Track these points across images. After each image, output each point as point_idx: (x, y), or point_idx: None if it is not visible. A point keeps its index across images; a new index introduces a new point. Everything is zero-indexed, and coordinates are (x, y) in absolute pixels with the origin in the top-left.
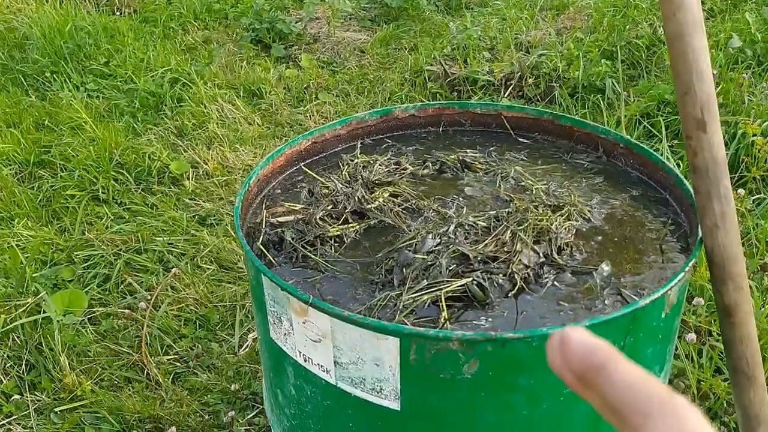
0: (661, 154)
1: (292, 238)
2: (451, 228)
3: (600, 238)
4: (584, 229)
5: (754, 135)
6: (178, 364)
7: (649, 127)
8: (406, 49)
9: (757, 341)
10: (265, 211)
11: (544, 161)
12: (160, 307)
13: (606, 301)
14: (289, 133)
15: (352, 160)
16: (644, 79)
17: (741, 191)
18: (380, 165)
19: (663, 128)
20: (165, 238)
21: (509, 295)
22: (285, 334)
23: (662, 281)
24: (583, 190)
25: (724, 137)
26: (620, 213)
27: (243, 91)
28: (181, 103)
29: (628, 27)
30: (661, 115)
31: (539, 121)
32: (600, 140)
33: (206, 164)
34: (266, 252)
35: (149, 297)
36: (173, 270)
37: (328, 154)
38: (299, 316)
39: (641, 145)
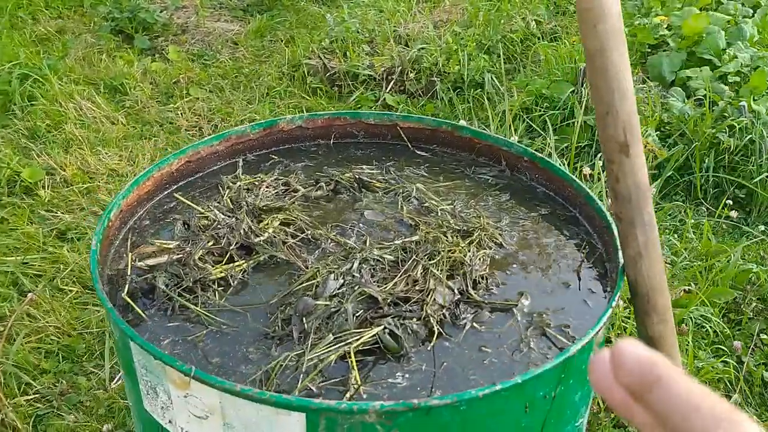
0: (549, 155)
1: (166, 285)
2: (356, 265)
3: (514, 265)
4: (497, 257)
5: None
6: (39, 405)
7: (530, 122)
8: (282, 41)
9: None
10: (130, 253)
11: (446, 177)
12: (15, 339)
13: (531, 344)
14: (159, 133)
15: (234, 182)
16: (521, 73)
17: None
18: (267, 187)
19: (549, 125)
20: (18, 258)
21: (425, 342)
22: (162, 407)
23: (586, 315)
24: (490, 210)
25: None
26: (532, 235)
27: (104, 86)
28: (33, 102)
29: (502, 21)
30: (540, 110)
31: (437, 132)
32: (503, 153)
33: (64, 170)
34: (134, 305)
35: (1, 329)
36: (29, 295)
37: (204, 174)
38: (180, 389)
39: (546, 159)
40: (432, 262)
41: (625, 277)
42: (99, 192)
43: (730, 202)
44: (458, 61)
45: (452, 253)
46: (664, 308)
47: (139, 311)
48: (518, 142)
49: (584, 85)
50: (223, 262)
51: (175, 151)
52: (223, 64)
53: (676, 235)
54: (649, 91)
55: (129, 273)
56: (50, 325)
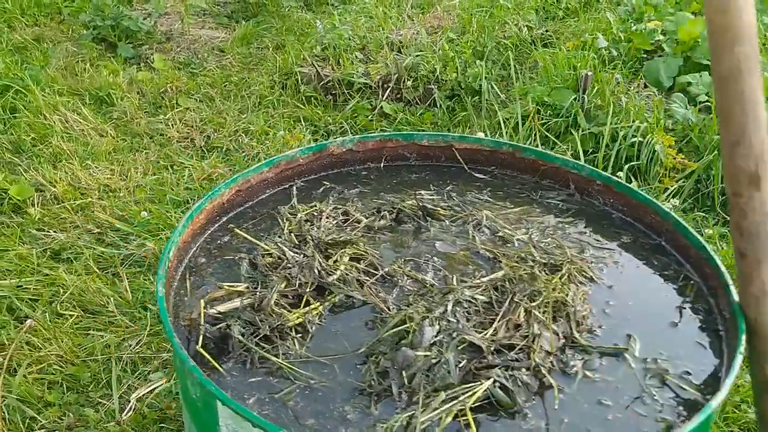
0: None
1: (242, 334)
2: (449, 307)
3: (611, 303)
4: (591, 293)
5: (669, 146)
6: None
7: (544, 131)
8: (269, 48)
9: None
10: (202, 300)
11: (512, 201)
12: (16, 370)
13: (655, 395)
14: (150, 145)
15: (293, 214)
16: (517, 80)
17: (675, 201)
18: (327, 218)
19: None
20: (12, 281)
21: (536, 395)
22: None
23: (703, 359)
24: (569, 240)
25: (604, 139)
26: (620, 268)
27: (89, 97)
28: (16, 114)
29: (496, 27)
30: (543, 118)
31: (496, 154)
32: (571, 176)
33: (54, 186)
34: (210, 358)
35: (0, 359)
36: (27, 321)
37: (254, 203)
38: None
39: (623, 183)
40: (534, 303)
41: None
42: (93, 208)
43: None
44: (455, 68)
45: (552, 291)
46: None
47: (216, 365)
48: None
49: (586, 92)
50: (300, 306)
51: (225, 180)
52: (211, 73)
53: None
54: (652, 97)
55: (202, 322)
56: (52, 354)
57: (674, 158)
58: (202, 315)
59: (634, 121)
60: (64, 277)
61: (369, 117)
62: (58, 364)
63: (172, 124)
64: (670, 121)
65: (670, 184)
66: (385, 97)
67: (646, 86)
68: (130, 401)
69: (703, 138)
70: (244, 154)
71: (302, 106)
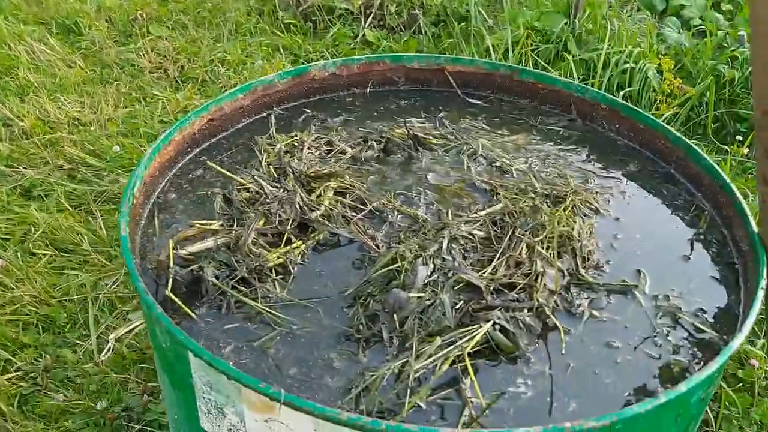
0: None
1: (216, 277)
2: (445, 244)
3: (619, 236)
4: (596, 226)
5: (668, 70)
6: (23, 383)
7: (535, 57)
8: None
9: None
10: (170, 240)
11: (510, 129)
12: None
13: (668, 335)
14: (120, 76)
15: (271, 144)
16: (506, 4)
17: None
18: (309, 148)
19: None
20: None
21: (540, 338)
22: (230, 429)
23: (717, 296)
24: (572, 168)
25: (596, 65)
26: (628, 198)
27: (56, 26)
28: None
29: None
30: (533, 44)
31: (493, 77)
32: (573, 100)
33: (22, 120)
34: (181, 304)
35: None
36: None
37: (229, 133)
38: (259, 412)
39: (631, 106)
40: (537, 239)
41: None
42: (63, 143)
43: (740, 138)
44: None
45: (558, 225)
46: None
47: (188, 311)
48: None
49: (577, 16)
50: (281, 245)
51: (196, 108)
52: None
53: None
54: (645, 20)
55: (171, 264)
56: (26, 294)
57: (671, 83)
58: (172, 256)
59: (626, 47)
60: (36, 215)
61: (351, 45)
62: (33, 304)
63: (143, 54)
64: (663, 45)
65: (666, 111)
66: (367, 23)
67: (639, 9)
68: (108, 342)
69: (697, 63)
70: (220, 84)
71: (281, 34)
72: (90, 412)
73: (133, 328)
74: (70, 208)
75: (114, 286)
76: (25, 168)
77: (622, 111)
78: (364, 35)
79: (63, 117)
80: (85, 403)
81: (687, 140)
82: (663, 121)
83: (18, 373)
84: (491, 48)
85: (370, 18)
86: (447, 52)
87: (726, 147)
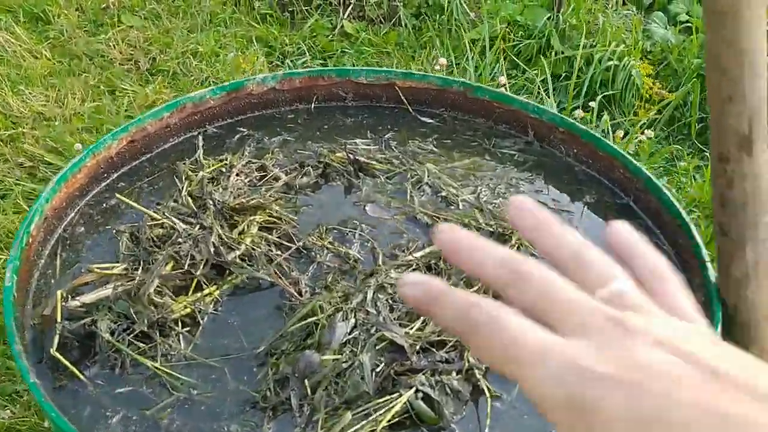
0: (541, 100)
1: (111, 332)
2: (369, 295)
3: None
4: None
5: (648, 75)
6: None
7: (512, 56)
8: None
9: None
10: (59, 291)
11: (461, 152)
12: None
13: None
14: (89, 68)
15: (195, 171)
16: None
17: (649, 132)
18: (238, 174)
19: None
20: None
21: (468, 404)
22: None
23: None
24: None
25: (577, 63)
26: (582, 234)
27: (23, 14)
28: None
29: None
30: (514, 39)
31: (446, 94)
32: (530, 121)
33: None
34: (68, 364)
35: None
36: None
37: (153, 156)
38: None
39: (590, 131)
40: (473, 288)
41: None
42: (24, 140)
43: None
44: None
45: None
46: (766, 339)
47: (77, 373)
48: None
49: (561, 10)
50: (190, 290)
51: (113, 130)
52: None
53: (664, 179)
54: (631, 16)
55: (59, 319)
56: None
57: (651, 88)
58: (59, 309)
59: (610, 43)
60: None
61: (329, 37)
62: None
63: (114, 45)
64: (649, 42)
65: (646, 116)
66: (346, 15)
67: (624, 3)
68: None
69: (683, 61)
70: (192, 77)
71: (257, 25)
72: (37, 429)
73: None
74: (27, 209)
75: None
76: None
77: (581, 136)
78: (342, 27)
79: (27, 111)
80: (33, 420)
81: (646, 171)
82: (644, 124)
83: None
84: (468, 44)
85: (350, 9)
86: (428, 46)
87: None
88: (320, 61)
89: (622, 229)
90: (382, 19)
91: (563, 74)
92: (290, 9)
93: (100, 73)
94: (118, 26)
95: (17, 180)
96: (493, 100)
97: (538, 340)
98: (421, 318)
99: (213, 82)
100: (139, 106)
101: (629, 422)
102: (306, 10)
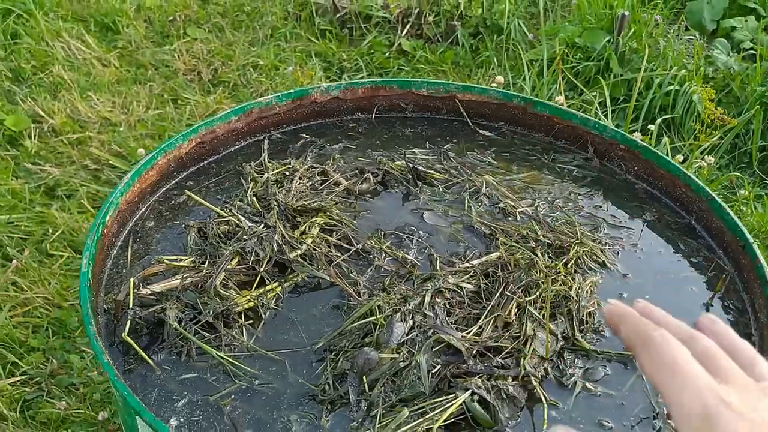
0: (596, 117)
1: (179, 321)
2: (427, 299)
3: (626, 295)
4: (600, 282)
5: (710, 100)
6: (27, 388)
7: (570, 77)
8: None
9: None
10: (132, 279)
11: (519, 165)
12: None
13: (669, 418)
14: (154, 77)
15: (260, 173)
16: (547, 18)
17: (709, 158)
18: (300, 178)
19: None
20: (2, 217)
21: (523, 410)
22: None
23: None
24: (582, 214)
25: (637, 85)
26: (640, 252)
27: (94, 24)
28: (17, 40)
29: None
30: (572, 61)
31: (506, 108)
32: (591, 137)
33: (52, 118)
34: (138, 349)
35: None
36: (13, 262)
37: (220, 157)
38: None
39: (651, 148)
40: (530, 298)
41: None
42: (90, 143)
43: None
44: (480, 3)
45: (554, 283)
46: None
47: (146, 357)
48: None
49: (621, 33)
50: (253, 286)
51: (184, 131)
52: (223, 1)
53: None
54: (693, 41)
55: (131, 305)
56: (38, 296)
57: (713, 112)
58: (131, 296)
59: (671, 68)
60: (56, 216)
61: (386, 54)
62: (45, 307)
63: (178, 56)
64: (711, 68)
65: (706, 141)
66: (404, 32)
67: (687, 29)
68: None
69: (745, 89)
70: (252, 89)
71: (316, 41)
72: (91, 422)
73: None
74: (91, 210)
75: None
76: (51, 166)
77: (641, 153)
78: (400, 44)
79: (94, 116)
80: (87, 412)
81: (710, 191)
82: (704, 149)
83: (23, 377)
84: (526, 65)
85: (407, 27)
86: (484, 65)
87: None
88: (377, 77)
89: (711, 322)
90: (440, 38)
91: (622, 97)
92: (349, 26)
93: (165, 83)
94: (184, 38)
95: (82, 181)
96: (553, 115)
97: (696, 368)
98: (478, 323)
99: (272, 94)
100: (200, 116)
101: None
102: (365, 27)
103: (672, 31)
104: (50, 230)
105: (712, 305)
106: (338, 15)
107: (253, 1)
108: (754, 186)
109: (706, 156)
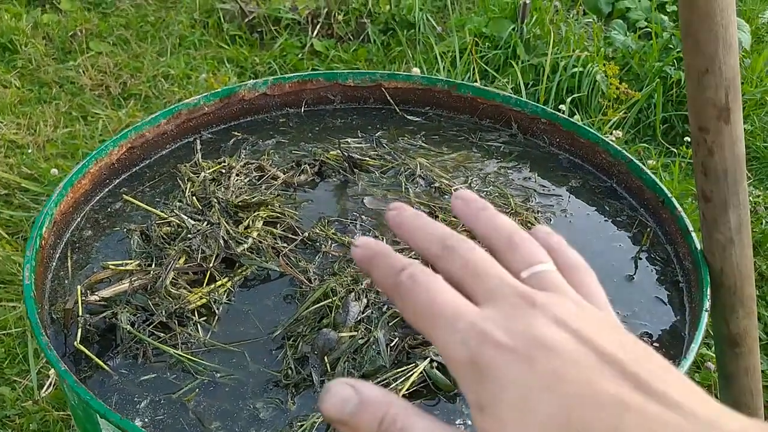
0: None
1: (132, 324)
2: None
3: None
4: None
5: (613, 75)
6: None
7: (482, 65)
8: None
9: (760, 370)
10: (79, 286)
11: (449, 146)
12: None
13: None
14: (60, 95)
15: (196, 172)
16: (454, 11)
17: (618, 132)
18: (237, 175)
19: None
20: None
21: None
22: None
23: (664, 317)
24: (512, 187)
25: (545, 71)
26: (569, 216)
27: None
28: None
29: None
30: (481, 50)
31: (431, 93)
32: (513, 114)
33: None
34: (92, 356)
35: None
36: None
37: (152, 161)
38: None
39: (571, 120)
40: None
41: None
42: None
43: (689, 139)
44: (388, 0)
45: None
46: (751, 299)
47: (101, 363)
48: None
49: (524, 21)
50: (203, 284)
51: (113, 136)
52: (125, 13)
53: None
54: (592, 24)
55: (80, 312)
56: None
57: (617, 88)
58: (80, 303)
59: (574, 51)
60: None
61: (299, 55)
62: None
63: (83, 71)
64: (610, 49)
65: (614, 116)
66: (315, 33)
67: (585, 13)
68: (49, 376)
69: (644, 66)
70: (164, 100)
71: (226, 47)
72: None
73: None
74: (7, 236)
75: None
76: None
77: (562, 125)
78: (312, 45)
79: None
80: None
81: (628, 154)
82: (611, 125)
83: None
84: (439, 56)
85: (318, 27)
86: (397, 61)
87: (674, 149)
88: None
89: (539, 228)
90: (351, 36)
91: (531, 82)
92: (259, 29)
93: (71, 100)
94: (87, 53)
95: None
96: (477, 96)
97: (453, 303)
98: None
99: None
100: (114, 130)
101: (519, 389)
102: (275, 30)
103: (571, 15)
104: None
105: (640, 258)
106: (247, 19)
107: (156, 11)
108: (660, 156)
109: (614, 131)
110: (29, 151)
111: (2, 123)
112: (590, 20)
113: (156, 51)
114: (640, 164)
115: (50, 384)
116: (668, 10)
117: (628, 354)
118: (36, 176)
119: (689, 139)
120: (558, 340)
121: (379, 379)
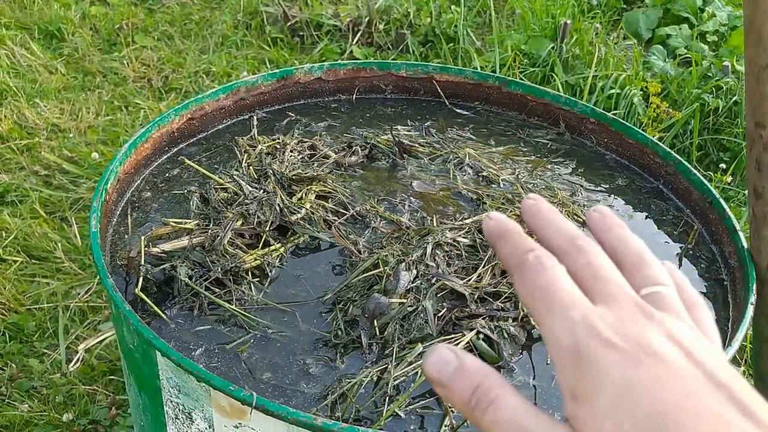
0: None
1: (189, 277)
2: (429, 250)
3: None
4: None
5: (655, 94)
6: None
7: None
8: None
9: None
10: (142, 237)
11: (497, 140)
12: None
13: None
14: (103, 84)
15: (253, 145)
16: (494, 27)
17: None
18: (291, 152)
19: (558, 86)
20: None
21: (524, 349)
22: None
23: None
24: (559, 181)
25: (581, 91)
26: (615, 212)
27: (38, 32)
28: None
29: None
30: (519, 66)
31: (481, 88)
32: (562, 113)
33: None
34: (151, 304)
35: None
36: None
37: (209, 134)
38: (229, 417)
39: (620, 121)
40: None
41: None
42: (40, 149)
43: (723, 166)
44: (429, 12)
45: None
46: None
47: (159, 312)
48: None
49: (564, 41)
50: (258, 247)
51: (175, 106)
52: (171, 10)
53: None
54: (631, 48)
55: (143, 261)
56: None
57: (658, 106)
58: (143, 253)
59: (612, 72)
60: (8, 221)
61: (338, 61)
62: (1, 312)
63: (127, 63)
64: (648, 73)
65: (653, 134)
66: (355, 41)
67: (625, 37)
68: (77, 352)
69: (681, 92)
70: None
71: (267, 48)
72: (55, 423)
73: (104, 339)
74: (44, 215)
75: (86, 296)
76: (0, 173)
77: (611, 125)
78: (351, 52)
79: (41, 123)
80: (51, 414)
81: (676, 155)
82: None
83: None
84: (479, 69)
85: (358, 35)
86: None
87: (710, 174)
88: None
89: (665, 262)
90: (390, 46)
91: None
92: (300, 34)
93: (114, 89)
94: (132, 46)
95: (33, 186)
96: (527, 93)
97: (571, 294)
98: (477, 272)
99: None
100: None
101: (619, 386)
102: (316, 35)
103: (611, 38)
104: (3, 235)
105: (685, 257)
106: (289, 23)
107: (201, 11)
108: None
109: None
110: (71, 135)
111: (46, 107)
112: (630, 44)
113: (198, 48)
114: (689, 165)
115: (78, 359)
116: (708, 40)
117: (735, 383)
118: (76, 159)
119: (724, 166)
120: (668, 353)
121: (426, 346)
